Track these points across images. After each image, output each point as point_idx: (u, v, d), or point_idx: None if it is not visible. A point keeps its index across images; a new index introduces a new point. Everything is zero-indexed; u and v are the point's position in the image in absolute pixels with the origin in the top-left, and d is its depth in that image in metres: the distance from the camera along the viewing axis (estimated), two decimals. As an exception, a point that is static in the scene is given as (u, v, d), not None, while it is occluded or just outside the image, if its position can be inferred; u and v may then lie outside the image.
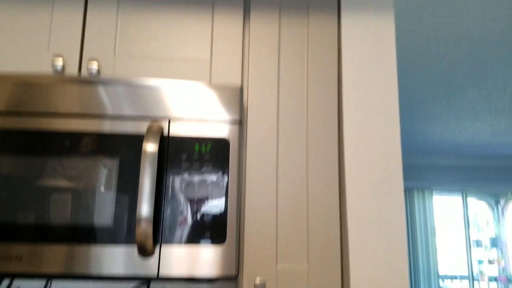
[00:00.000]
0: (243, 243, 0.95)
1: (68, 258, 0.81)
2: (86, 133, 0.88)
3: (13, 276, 0.82)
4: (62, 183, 0.85)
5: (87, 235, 0.83)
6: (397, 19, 1.90)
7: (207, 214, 0.86)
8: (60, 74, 0.93)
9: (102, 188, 0.85)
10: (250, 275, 0.93)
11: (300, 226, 0.97)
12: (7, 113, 0.88)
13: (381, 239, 0.90)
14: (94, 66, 0.98)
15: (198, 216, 0.86)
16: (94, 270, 0.81)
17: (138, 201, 0.79)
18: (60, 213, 0.83)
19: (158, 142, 0.84)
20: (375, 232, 0.90)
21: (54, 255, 0.81)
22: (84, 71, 1.01)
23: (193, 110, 0.92)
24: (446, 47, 2.19)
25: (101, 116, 0.89)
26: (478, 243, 4.79)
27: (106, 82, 0.91)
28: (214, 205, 0.87)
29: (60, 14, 1.04)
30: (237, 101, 0.93)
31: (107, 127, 0.89)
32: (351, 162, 0.95)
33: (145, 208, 0.79)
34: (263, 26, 1.08)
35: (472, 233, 4.72)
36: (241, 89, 0.94)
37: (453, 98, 2.98)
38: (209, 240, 0.85)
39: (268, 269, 0.94)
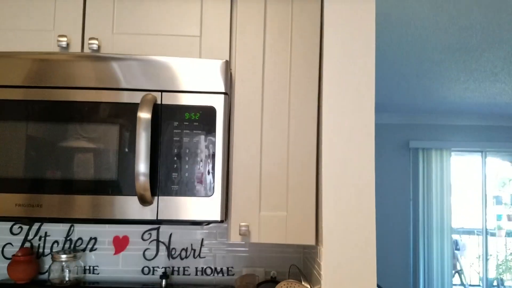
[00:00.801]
0: (231, 194, 1.11)
1: (87, 206, 1.00)
2: (90, 102, 1.03)
3: (42, 221, 1.03)
4: (73, 144, 1.02)
5: (100, 187, 1.01)
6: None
7: (198, 172, 1.02)
8: (65, 52, 1.08)
9: (109, 150, 1.02)
10: (237, 220, 1.10)
11: (280, 179, 1.11)
12: (28, 87, 1.04)
13: (351, 188, 1.03)
14: (95, 44, 1.11)
15: (190, 173, 1.01)
16: (107, 215, 0.99)
17: (136, 159, 0.95)
18: (76, 169, 1.01)
19: (151, 110, 0.98)
20: (346, 183, 1.03)
21: (75, 204, 1.00)
22: (86, 48, 1.15)
23: (184, 82, 1.05)
24: (458, 11, 2.16)
25: (103, 88, 1.04)
26: (498, 200, 4.86)
27: (108, 58, 1.05)
28: (204, 164, 1.02)
29: (68, -6, 1.16)
30: (224, 73, 1.05)
31: (109, 97, 1.04)
32: (327, 122, 1.06)
33: (141, 165, 0.95)
34: (250, 4, 1.16)
35: (491, 190, 4.77)
36: (227, 62, 1.06)
37: (469, 60, 2.94)
38: (200, 193, 1.01)
39: (252, 215, 1.10)
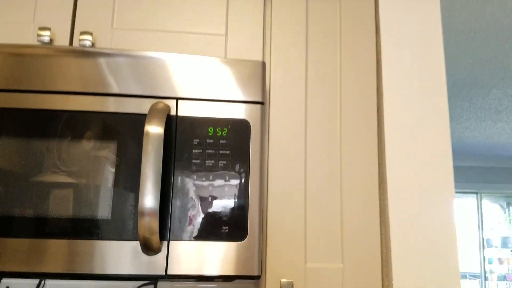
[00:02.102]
0: (266, 240, 0.82)
1: (65, 255, 0.69)
2: (82, 112, 0.76)
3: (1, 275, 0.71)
4: (55, 170, 0.73)
5: (85, 229, 0.71)
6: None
7: (225, 207, 0.74)
8: (47, 45, 0.81)
9: (100, 177, 0.73)
10: (275, 276, 0.81)
11: (332, 221, 0.84)
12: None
13: (429, 243, 0.77)
14: (88, 40, 0.86)
15: (214, 209, 0.74)
16: (94, 269, 0.69)
17: (140, 190, 0.67)
18: (53, 203, 0.71)
19: (164, 123, 0.72)
20: (421, 235, 0.77)
21: (48, 251, 0.69)
22: (76, 45, 0.89)
23: (206, 88, 0.80)
24: (475, 42, 2.04)
25: (95, 94, 0.77)
26: (489, 243, 4.71)
27: (106, 54, 0.79)
28: (233, 197, 0.74)
29: (58, -21, 0.92)
30: (259, 77, 0.81)
31: (104, 106, 0.77)
32: (392, 153, 0.82)
33: (148, 198, 0.67)
34: (288, -3, 0.95)
35: (484, 233, 4.62)
36: (264, 64, 0.82)
37: (476, 97, 2.83)
38: (228, 236, 0.73)
39: (295, 268, 0.81)
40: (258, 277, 0.72)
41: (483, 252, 4.58)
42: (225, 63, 0.81)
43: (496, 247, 4.75)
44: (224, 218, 0.73)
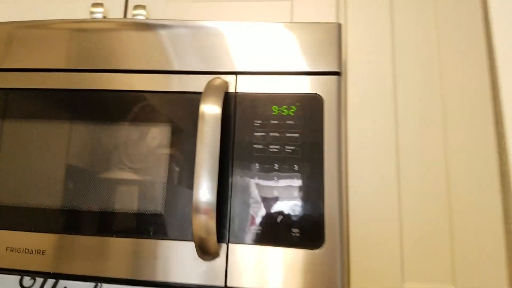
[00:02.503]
0: (347, 250, 0.67)
1: (127, 256, 0.60)
2: (129, 91, 0.66)
3: (43, 276, 0.63)
4: (122, 167, 0.64)
5: (129, 226, 0.61)
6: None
7: (295, 204, 0.60)
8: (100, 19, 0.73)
9: (152, 167, 0.63)
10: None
11: (438, 230, 0.66)
12: (44, 70, 0.69)
13: None
14: (142, 13, 0.77)
15: (281, 206, 0.60)
16: (133, 274, 0.58)
17: (195, 181, 0.55)
18: (95, 197, 0.62)
19: (221, 102, 0.60)
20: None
21: (107, 252, 0.61)
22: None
23: (270, 59, 0.66)
24: None
25: (145, 71, 0.67)
26: None
27: (159, 26, 0.69)
28: (305, 191, 0.60)
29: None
30: (334, 42, 0.65)
31: (155, 84, 0.66)
32: None
33: (203, 191, 0.55)
34: None
35: None
36: (339, 26, 0.66)
37: None
38: (299, 242, 0.59)
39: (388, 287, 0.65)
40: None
41: None
42: (292, 29, 0.67)
43: None
44: (294, 218, 0.59)
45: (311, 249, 0.58)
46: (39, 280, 0.98)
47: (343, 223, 0.64)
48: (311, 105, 0.63)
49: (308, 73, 0.65)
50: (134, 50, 0.68)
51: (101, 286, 0.97)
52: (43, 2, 0.85)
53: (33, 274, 0.61)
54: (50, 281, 0.99)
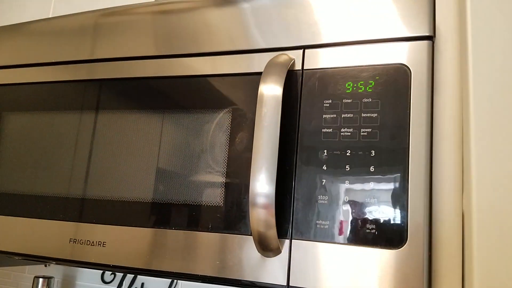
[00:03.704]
0: (434, 250, 0.55)
1: (151, 248, 0.58)
2: (184, 76, 0.63)
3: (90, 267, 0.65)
4: (152, 150, 0.62)
5: (184, 217, 0.58)
6: None
7: (371, 197, 0.50)
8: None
9: (209, 156, 0.59)
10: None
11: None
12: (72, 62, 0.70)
13: None
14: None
15: (353, 199, 0.51)
16: (189, 267, 0.56)
17: (252, 169, 0.49)
18: (146, 186, 0.61)
19: (283, 81, 0.52)
20: None
21: (137, 242, 0.60)
22: None
23: (344, 25, 0.56)
24: None
25: (205, 54, 0.63)
26: None
27: (226, 2, 0.64)
28: (382, 182, 0.50)
29: None
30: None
31: (214, 67, 0.62)
32: None
33: (261, 181, 0.49)
34: None
35: None
36: (433, -23, 0.53)
37: None
38: (375, 240, 0.49)
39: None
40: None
41: None
42: (370, -12, 0.55)
43: None
44: (369, 213, 0.50)
45: (390, 248, 0.48)
46: (119, 275, 1.04)
47: (431, 220, 0.52)
48: (394, 79, 0.52)
49: (390, 39, 0.53)
50: (218, 29, 0.64)
51: (176, 283, 0.99)
52: None
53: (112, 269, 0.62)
54: (129, 276, 1.04)
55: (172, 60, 0.66)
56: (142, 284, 1.01)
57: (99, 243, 0.60)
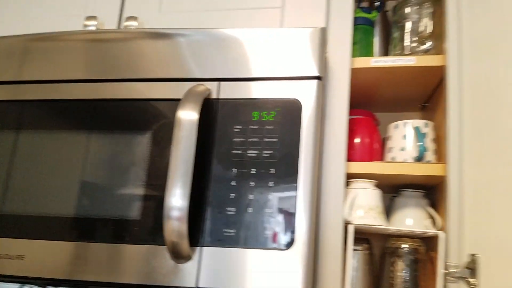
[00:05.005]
0: (320, 250, 0.66)
1: (72, 260, 0.62)
2: (109, 100, 0.69)
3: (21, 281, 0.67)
4: (72, 168, 0.67)
5: (108, 232, 0.63)
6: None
7: (269, 207, 0.60)
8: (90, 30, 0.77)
9: (130, 172, 0.65)
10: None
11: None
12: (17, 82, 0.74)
13: None
14: (134, 25, 0.80)
15: (255, 209, 0.60)
16: (111, 277, 0.60)
17: (167, 186, 0.56)
18: (75, 203, 0.65)
19: (199, 108, 0.61)
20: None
21: (57, 254, 0.63)
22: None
23: (253, 65, 0.67)
24: None
25: (128, 80, 0.70)
26: None
27: (141, 36, 0.72)
28: (279, 194, 0.60)
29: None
30: (315, 46, 0.65)
31: (137, 92, 0.69)
32: None
33: (175, 196, 0.56)
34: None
35: None
36: (323, 31, 0.66)
37: None
38: (270, 243, 0.58)
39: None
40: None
41: None
42: (275, 33, 0.67)
43: None
44: (267, 222, 0.59)
45: (281, 249, 0.57)
46: None
47: (316, 226, 0.62)
48: (290, 110, 0.63)
49: (288, 78, 0.65)
50: (150, 59, 0.71)
51: None
52: (38, 18, 0.90)
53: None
54: None
55: (101, 84, 0.71)
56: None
57: (18, 256, 0.62)
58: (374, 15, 0.96)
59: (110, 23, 0.85)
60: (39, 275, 0.60)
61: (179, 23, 0.82)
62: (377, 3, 0.99)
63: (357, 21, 0.92)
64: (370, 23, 0.95)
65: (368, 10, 0.96)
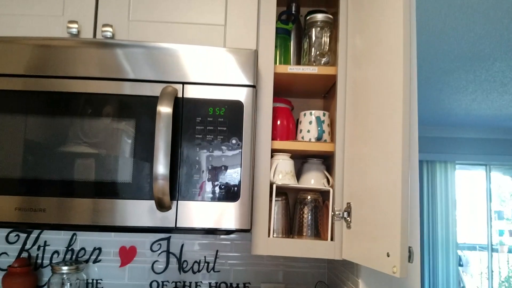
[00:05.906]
0: (256, 200, 0.99)
1: (93, 212, 0.88)
2: (104, 94, 0.92)
3: (44, 227, 0.90)
4: (83, 143, 0.90)
5: (110, 191, 0.88)
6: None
7: (221, 173, 0.90)
8: (75, 38, 0.97)
9: (122, 148, 0.90)
10: (263, 231, 0.98)
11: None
12: (28, 76, 0.92)
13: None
14: (109, 31, 1.01)
15: (213, 175, 0.90)
16: (117, 222, 0.87)
17: (154, 160, 0.83)
18: (84, 169, 0.89)
19: (172, 104, 0.87)
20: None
21: (79, 208, 0.88)
22: (99, 36, 1.04)
23: (208, 74, 0.94)
24: (475, 17, 2.09)
25: (118, 79, 0.93)
26: (500, 215, 4.79)
27: (123, 45, 0.94)
28: (228, 165, 0.90)
29: (79, -22, 1.06)
30: (252, 64, 0.95)
31: (125, 89, 0.92)
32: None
33: (160, 166, 0.83)
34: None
35: (494, 205, 4.71)
36: (256, 52, 0.96)
37: (480, 70, 2.88)
38: (224, 198, 0.89)
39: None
40: (248, 231, 0.90)
41: (491, 224, 4.68)
42: (224, 52, 0.95)
43: (508, 219, 4.83)
44: (222, 183, 0.90)
45: (231, 202, 0.89)
46: (22, 236, 1.23)
47: (252, 185, 0.96)
48: (235, 108, 0.93)
49: (234, 85, 0.94)
50: (95, 62, 0.93)
51: (75, 239, 1.24)
52: (21, 21, 1.05)
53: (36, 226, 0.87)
54: (32, 238, 1.24)
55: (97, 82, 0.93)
56: (45, 242, 1.23)
57: (40, 209, 0.85)
58: (291, 26, 1.28)
59: (88, 27, 1.04)
60: (59, 222, 0.84)
61: (144, 31, 1.04)
62: (292, 18, 1.31)
63: (278, 31, 1.23)
64: (288, 32, 1.27)
65: (286, 22, 1.28)
